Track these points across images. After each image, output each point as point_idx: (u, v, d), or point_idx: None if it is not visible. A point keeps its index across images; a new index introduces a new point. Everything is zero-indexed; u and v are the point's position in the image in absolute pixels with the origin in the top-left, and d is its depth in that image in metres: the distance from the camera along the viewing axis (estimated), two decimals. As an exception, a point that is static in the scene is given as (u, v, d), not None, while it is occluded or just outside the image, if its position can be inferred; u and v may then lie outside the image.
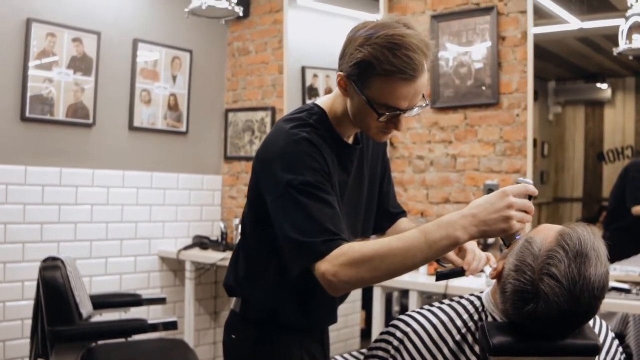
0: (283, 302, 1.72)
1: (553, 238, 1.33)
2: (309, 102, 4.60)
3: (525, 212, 1.37)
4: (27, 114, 3.91)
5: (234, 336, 1.80)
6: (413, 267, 1.41)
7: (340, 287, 1.45)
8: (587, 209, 3.96)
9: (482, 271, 3.52)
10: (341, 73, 1.57)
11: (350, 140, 1.75)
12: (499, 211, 1.34)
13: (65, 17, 4.08)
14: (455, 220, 1.37)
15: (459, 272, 1.65)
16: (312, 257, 1.45)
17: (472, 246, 1.65)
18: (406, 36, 1.48)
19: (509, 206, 1.34)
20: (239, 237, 1.83)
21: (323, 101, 1.72)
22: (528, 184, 1.40)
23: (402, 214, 2.04)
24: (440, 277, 1.62)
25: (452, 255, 1.68)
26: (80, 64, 4.15)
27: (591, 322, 1.52)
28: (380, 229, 1.99)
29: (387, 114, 1.53)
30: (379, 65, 1.47)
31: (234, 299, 1.83)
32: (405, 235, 1.41)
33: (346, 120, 1.67)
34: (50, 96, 4.01)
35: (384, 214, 1.98)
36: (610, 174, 3.70)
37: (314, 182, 1.51)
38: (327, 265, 1.42)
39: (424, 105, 1.58)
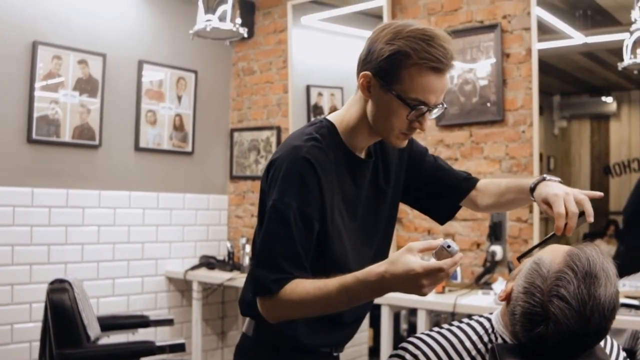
0: (302, 323, 1.70)
1: (561, 259, 1.31)
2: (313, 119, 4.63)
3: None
4: (34, 136, 3.93)
5: (245, 360, 1.79)
6: (339, 311, 1.57)
7: (273, 321, 1.58)
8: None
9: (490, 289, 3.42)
10: (366, 72, 1.56)
11: (363, 155, 1.72)
12: (408, 287, 1.38)
13: (71, 39, 4.11)
14: (371, 280, 1.40)
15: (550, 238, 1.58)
16: (261, 292, 1.56)
17: (559, 208, 1.55)
18: (435, 30, 1.52)
19: (418, 286, 1.36)
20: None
21: (333, 115, 1.71)
22: (452, 251, 1.36)
23: (474, 178, 1.92)
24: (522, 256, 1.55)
25: (548, 211, 1.60)
26: (86, 86, 4.17)
27: (602, 342, 1.50)
28: (454, 207, 1.92)
29: (417, 107, 1.52)
30: (415, 54, 1.48)
31: (246, 321, 1.81)
32: (329, 287, 1.46)
33: (361, 129, 1.65)
34: (56, 117, 4.03)
35: (455, 190, 1.88)
36: (617, 187, 3.68)
37: (297, 207, 1.53)
38: (264, 301, 1.56)
39: (444, 106, 1.59)
